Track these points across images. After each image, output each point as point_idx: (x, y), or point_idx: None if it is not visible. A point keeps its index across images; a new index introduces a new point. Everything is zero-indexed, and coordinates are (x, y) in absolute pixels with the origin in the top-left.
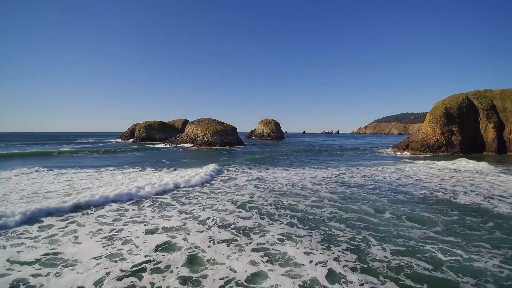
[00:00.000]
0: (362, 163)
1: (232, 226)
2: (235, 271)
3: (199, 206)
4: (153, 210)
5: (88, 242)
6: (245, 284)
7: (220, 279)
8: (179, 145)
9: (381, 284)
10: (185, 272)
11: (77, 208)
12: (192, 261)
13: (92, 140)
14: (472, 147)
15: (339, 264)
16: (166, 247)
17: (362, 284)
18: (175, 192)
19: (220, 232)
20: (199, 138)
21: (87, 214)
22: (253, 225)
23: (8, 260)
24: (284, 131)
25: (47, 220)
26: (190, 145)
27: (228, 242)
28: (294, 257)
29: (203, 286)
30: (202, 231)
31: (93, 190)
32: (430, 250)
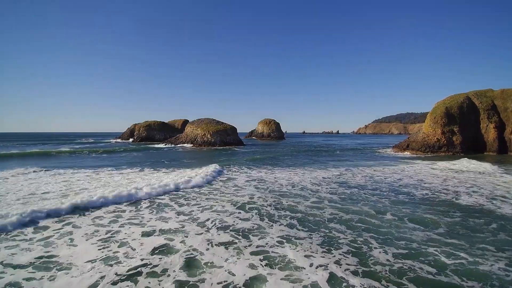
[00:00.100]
0: (363, 163)
1: (231, 228)
2: (233, 275)
3: (198, 207)
4: (150, 211)
5: (84, 244)
6: None
7: (218, 283)
8: (179, 145)
9: None
10: (182, 276)
11: (74, 209)
12: (190, 264)
13: (92, 140)
14: (473, 147)
15: (340, 267)
16: (163, 250)
17: None
18: (173, 193)
19: (219, 234)
20: (198, 138)
21: (84, 215)
22: (253, 226)
23: (1, 263)
24: (284, 131)
25: (43, 222)
26: (189, 145)
27: (226, 244)
28: (294, 260)
29: None
30: (201, 233)
31: (91, 191)
32: (433, 253)
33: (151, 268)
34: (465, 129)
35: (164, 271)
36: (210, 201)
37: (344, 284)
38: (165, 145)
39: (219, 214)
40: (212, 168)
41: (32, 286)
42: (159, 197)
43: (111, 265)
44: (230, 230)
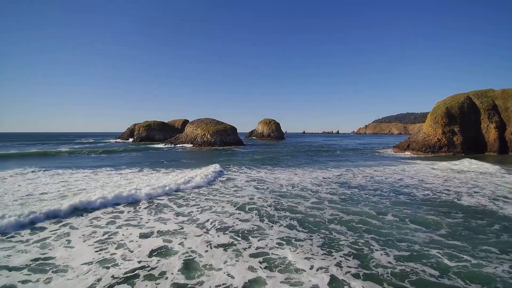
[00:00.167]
0: (363, 164)
1: (230, 229)
2: (232, 277)
3: (197, 208)
4: (149, 212)
5: (81, 246)
6: None
7: (217, 286)
8: (179, 145)
9: None
10: (181, 278)
11: (71, 210)
12: (188, 266)
13: (92, 140)
14: (474, 148)
15: (341, 270)
16: (161, 251)
17: None
18: (172, 193)
19: (218, 236)
20: (198, 138)
21: (81, 216)
22: (252, 228)
23: None
24: (284, 131)
25: (40, 223)
26: (189, 145)
27: (226, 246)
28: (294, 262)
29: None
30: (200, 235)
31: (89, 192)
32: (436, 255)
33: (148, 271)
34: (465, 129)
35: (162, 273)
36: (210, 202)
37: (346, 287)
38: (165, 145)
39: (218, 215)
40: (211, 168)
41: None
42: (158, 197)
43: (108, 268)
44: (230, 232)
